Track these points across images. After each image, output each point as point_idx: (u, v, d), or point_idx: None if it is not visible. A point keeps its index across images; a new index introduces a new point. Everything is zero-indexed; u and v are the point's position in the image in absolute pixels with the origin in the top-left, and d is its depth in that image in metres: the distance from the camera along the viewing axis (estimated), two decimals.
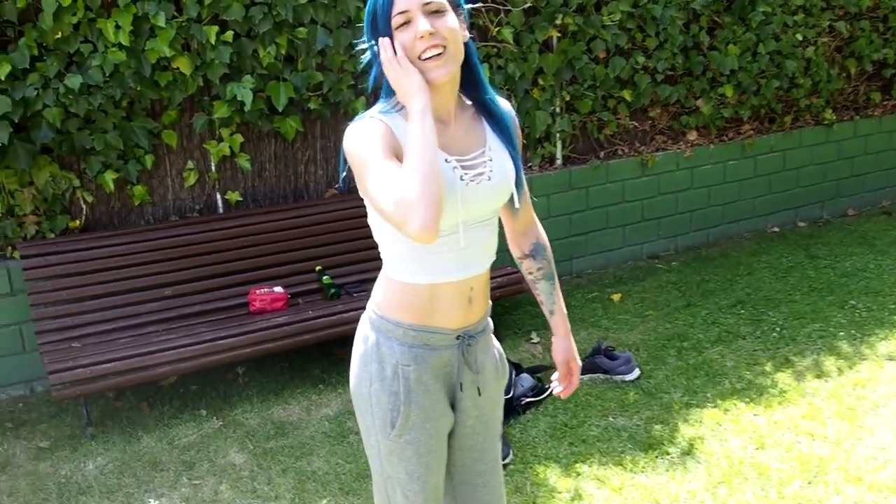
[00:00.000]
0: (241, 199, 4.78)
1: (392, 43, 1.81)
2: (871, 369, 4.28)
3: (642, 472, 3.52)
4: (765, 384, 4.20)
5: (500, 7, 5.19)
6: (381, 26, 1.81)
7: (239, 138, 4.66)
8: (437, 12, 1.81)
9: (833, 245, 6.29)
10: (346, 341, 4.66)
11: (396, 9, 1.79)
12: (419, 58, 1.81)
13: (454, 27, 1.82)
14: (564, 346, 2.28)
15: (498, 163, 1.96)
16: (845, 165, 7.13)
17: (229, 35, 4.38)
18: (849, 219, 7.05)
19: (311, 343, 4.26)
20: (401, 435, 1.99)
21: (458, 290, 1.97)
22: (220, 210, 4.77)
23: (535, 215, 2.24)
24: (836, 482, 3.39)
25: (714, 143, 6.31)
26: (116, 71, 4.19)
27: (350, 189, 4.90)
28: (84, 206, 4.47)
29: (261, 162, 4.84)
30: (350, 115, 4.86)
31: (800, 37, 6.28)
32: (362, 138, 1.80)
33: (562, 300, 2.28)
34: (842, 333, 4.73)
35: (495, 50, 5.22)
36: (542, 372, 4.37)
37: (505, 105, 2.06)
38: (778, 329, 4.84)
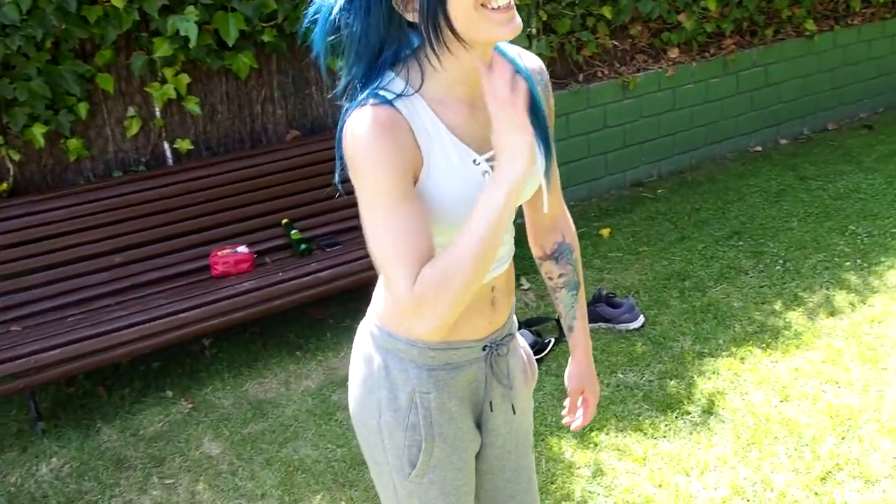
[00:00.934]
0: (191, 147, 4.25)
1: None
2: (884, 303, 4.01)
3: (664, 437, 3.21)
4: (777, 326, 3.90)
5: None
6: None
7: (185, 79, 4.11)
8: None
9: (820, 164, 5.98)
10: (324, 301, 4.37)
11: None
12: (484, 5, 1.30)
13: None
14: (582, 371, 1.87)
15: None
16: (825, 78, 6.79)
17: None
18: (830, 133, 6.74)
19: (285, 308, 3.83)
20: (423, 475, 1.62)
21: (481, 294, 1.57)
22: (170, 162, 4.24)
23: (565, 207, 1.80)
24: (870, 436, 3.12)
25: (696, 60, 5.89)
26: (35, 7, 3.60)
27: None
28: (11, 167, 3.90)
29: (211, 104, 4.31)
30: (310, 47, 4.33)
31: None
32: (371, 151, 1.32)
33: (585, 314, 1.85)
34: (847, 263, 4.44)
35: None
36: (540, 324, 4.01)
37: (532, 63, 1.58)
38: (781, 262, 4.53)
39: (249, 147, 4.42)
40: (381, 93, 1.36)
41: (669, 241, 4.91)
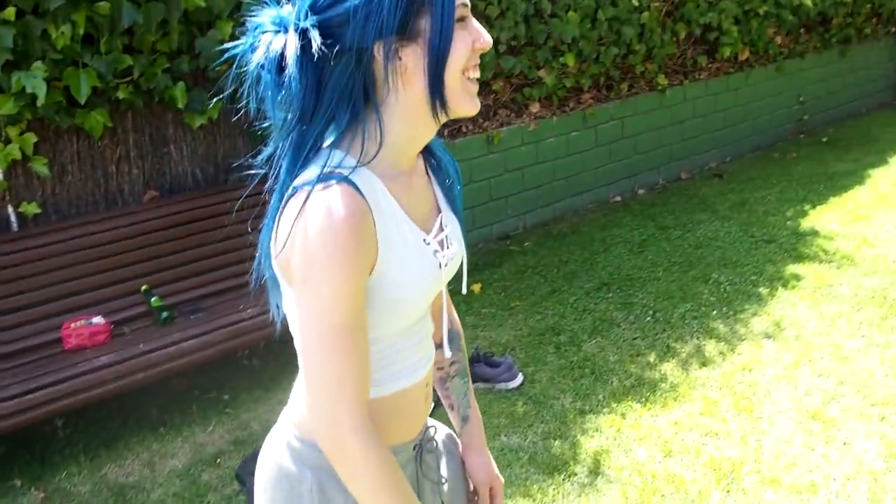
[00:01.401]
0: (39, 211, 3.93)
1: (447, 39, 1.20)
2: (751, 350, 4.11)
3: (553, 502, 3.13)
4: (654, 378, 3.93)
5: None
6: (443, 13, 1.19)
7: (32, 138, 3.81)
8: None
9: (678, 213, 6.17)
10: (188, 372, 4.11)
11: None
12: (465, 73, 1.24)
13: None
14: (483, 461, 1.67)
15: (454, 230, 1.44)
16: (677, 130, 7.07)
17: (11, 12, 3.53)
18: (684, 183, 6.99)
19: (146, 382, 3.56)
20: None
21: (416, 394, 1.43)
22: (15, 227, 3.91)
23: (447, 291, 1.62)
24: (753, 488, 3.14)
25: (556, 114, 6.00)
26: None
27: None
28: None
29: (61, 164, 4.01)
30: (168, 104, 4.13)
31: (635, 2, 6.06)
32: (336, 254, 1.15)
33: (475, 402, 1.71)
34: (714, 312, 4.55)
35: None
36: None
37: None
38: (651, 312, 4.59)
39: (104, 209, 4.14)
40: (338, 170, 1.21)
41: (541, 294, 4.91)
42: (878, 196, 6.29)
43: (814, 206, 6.14)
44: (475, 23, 1.25)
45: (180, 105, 4.10)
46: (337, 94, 1.21)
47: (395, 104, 1.25)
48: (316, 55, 1.17)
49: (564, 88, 5.95)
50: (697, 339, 4.27)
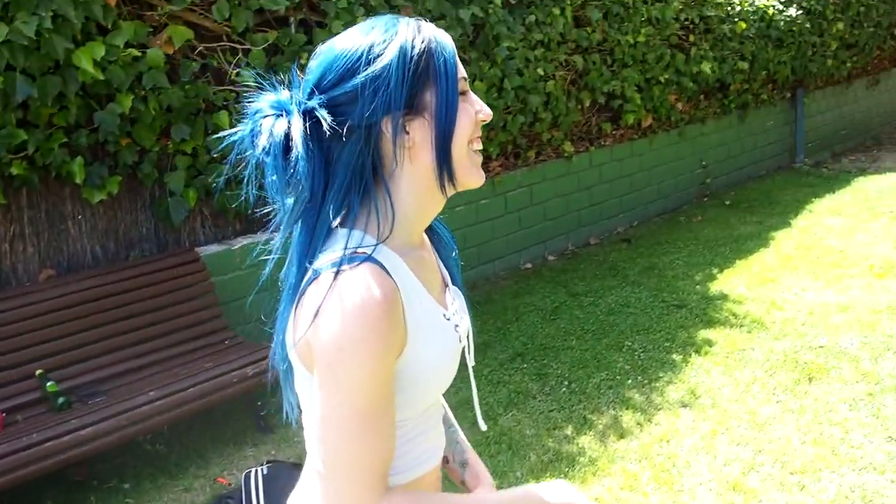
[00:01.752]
0: None
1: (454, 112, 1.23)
2: (668, 420, 4.10)
3: None
4: (572, 452, 3.87)
5: (239, 46, 4.51)
6: (447, 86, 1.22)
7: None
8: None
9: (589, 279, 6.21)
10: (87, 462, 3.88)
11: (461, 71, 1.27)
12: (469, 144, 1.27)
13: None
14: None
15: (460, 303, 1.44)
16: (584, 196, 7.17)
17: None
18: (593, 248, 7.07)
19: (40, 474, 3.34)
20: None
21: (434, 474, 1.39)
22: None
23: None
24: None
25: None
26: None
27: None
28: None
29: None
30: (65, 179, 3.96)
31: (541, 71, 6.15)
32: (367, 341, 1.12)
33: (469, 445, 1.65)
34: (629, 381, 4.54)
35: (234, 95, 4.51)
36: None
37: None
38: (566, 383, 4.57)
39: None
40: (360, 250, 1.19)
41: None
42: (782, 258, 6.46)
43: (721, 270, 6.27)
44: (474, 96, 1.28)
45: (78, 180, 3.94)
46: (349, 171, 1.20)
47: (403, 178, 1.26)
48: (326, 134, 1.18)
49: None
50: (614, 409, 4.25)
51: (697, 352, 4.82)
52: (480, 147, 1.29)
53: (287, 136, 1.18)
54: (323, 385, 1.14)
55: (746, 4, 8.51)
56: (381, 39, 1.20)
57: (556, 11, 6.18)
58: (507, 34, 5.77)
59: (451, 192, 1.28)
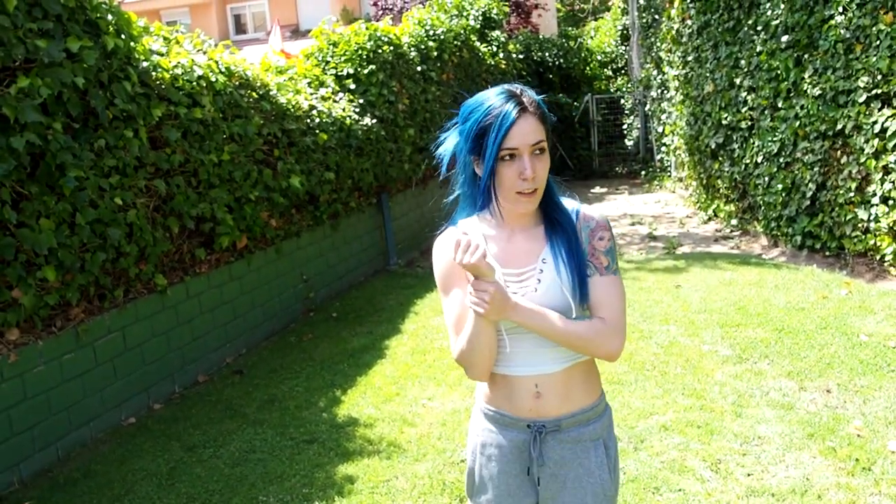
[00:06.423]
0: None
1: (492, 165, 2.08)
2: None
3: None
4: None
5: None
6: (488, 152, 2.04)
7: None
8: (541, 151, 2.07)
9: (205, 426, 5.48)
10: None
11: (508, 143, 2.02)
12: (514, 191, 2.09)
13: (547, 166, 2.09)
14: None
15: (549, 274, 2.13)
16: (185, 330, 6.46)
17: None
18: (202, 387, 6.34)
19: None
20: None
21: (521, 383, 2.21)
22: None
23: (605, 322, 2.16)
24: None
25: (42, 338, 5.03)
26: None
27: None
28: None
29: None
30: None
31: (119, 201, 5.41)
32: (435, 262, 2.25)
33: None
34: None
35: None
36: None
37: (570, 205, 2.21)
38: None
39: None
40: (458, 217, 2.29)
41: None
42: (401, 368, 6.26)
43: (344, 391, 5.89)
44: (526, 159, 2.04)
45: None
46: (481, 181, 2.16)
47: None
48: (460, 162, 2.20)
49: (48, 307, 5.02)
50: None
51: (340, 493, 4.33)
52: (527, 191, 2.08)
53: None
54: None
55: (325, 116, 8.47)
56: (479, 103, 2.10)
57: (129, 133, 5.49)
58: (74, 162, 4.97)
59: (501, 206, 2.17)
